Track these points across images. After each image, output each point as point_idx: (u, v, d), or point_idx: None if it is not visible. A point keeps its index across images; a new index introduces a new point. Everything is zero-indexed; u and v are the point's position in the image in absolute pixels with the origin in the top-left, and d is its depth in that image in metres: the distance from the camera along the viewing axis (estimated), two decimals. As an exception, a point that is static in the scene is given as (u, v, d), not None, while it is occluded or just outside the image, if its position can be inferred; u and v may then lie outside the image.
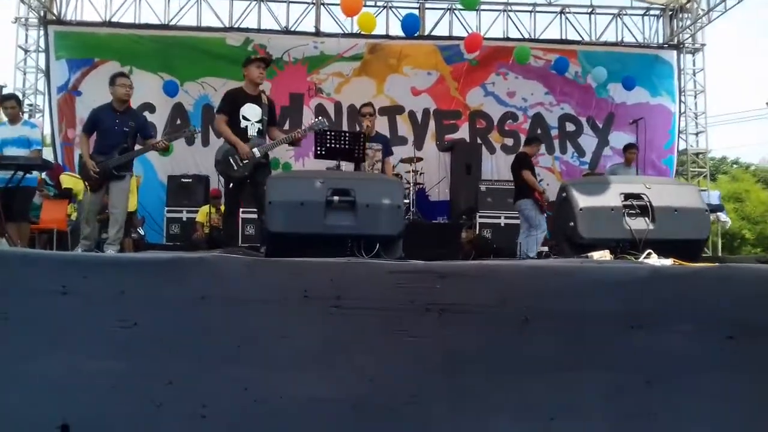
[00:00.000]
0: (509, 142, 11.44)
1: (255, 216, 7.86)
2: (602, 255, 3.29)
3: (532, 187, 7.46)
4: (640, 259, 3.30)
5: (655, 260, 3.28)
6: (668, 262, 3.33)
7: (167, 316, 3.01)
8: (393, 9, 11.71)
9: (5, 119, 6.60)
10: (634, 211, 3.51)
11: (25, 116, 7.40)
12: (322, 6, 11.64)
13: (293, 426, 3.03)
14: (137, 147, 5.99)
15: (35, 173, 6.52)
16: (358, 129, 6.38)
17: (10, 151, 6.23)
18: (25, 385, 2.87)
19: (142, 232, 9.25)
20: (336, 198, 3.45)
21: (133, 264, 3.04)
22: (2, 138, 6.39)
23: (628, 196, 3.51)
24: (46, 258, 3.15)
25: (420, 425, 3.12)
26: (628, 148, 8.65)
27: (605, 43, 11.81)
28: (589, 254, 3.31)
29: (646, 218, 3.49)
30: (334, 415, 3.04)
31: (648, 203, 3.51)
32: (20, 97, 7.39)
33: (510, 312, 3.18)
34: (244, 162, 5.39)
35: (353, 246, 3.50)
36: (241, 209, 6.78)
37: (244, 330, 3.03)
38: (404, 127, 11.29)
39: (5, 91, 7.82)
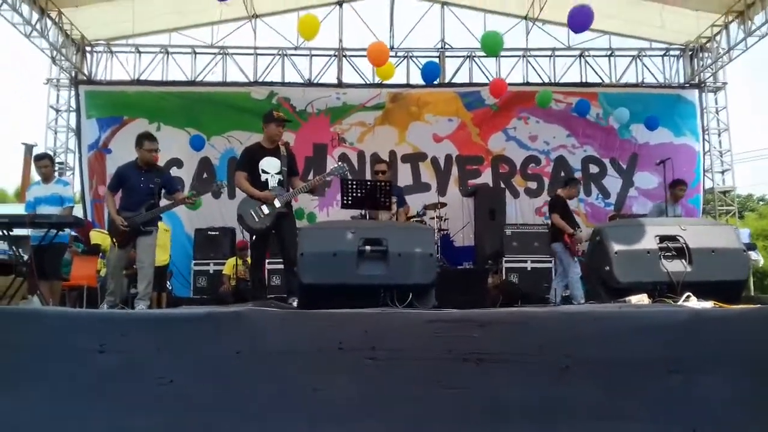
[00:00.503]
0: (533, 185, 11.44)
1: (280, 266, 7.86)
2: (640, 299, 3.24)
3: (562, 230, 7.41)
4: (680, 303, 3.23)
5: (694, 303, 3.21)
6: (708, 304, 3.26)
7: (204, 372, 3.00)
8: (413, 59, 11.93)
9: (39, 178, 6.77)
10: (670, 254, 3.45)
11: (57, 175, 7.58)
12: (344, 58, 11.89)
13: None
14: (164, 202, 6.07)
15: (67, 231, 6.63)
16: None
17: (44, 209, 6.37)
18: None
19: (169, 286, 9.31)
20: (368, 248, 3.45)
21: (169, 321, 3.05)
22: (36, 196, 6.55)
23: (663, 239, 3.46)
24: (84, 316, 3.18)
25: (461, 479, 3.04)
26: (676, 184, 8.27)
27: (626, 85, 11.87)
28: (626, 298, 3.26)
29: (683, 260, 3.44)
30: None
31: (684, 245, 3.46)
32: (52, 155, 7.56)
33: (549, 359, 3.13)
34: (266, 213, 5.44)
35: (386, 296, 3.48)
36: (267, 260, 6.79)
37: (280, 383, 3.01)
38: (427, 174, 11.36)
39: (37, 150, 8.04)
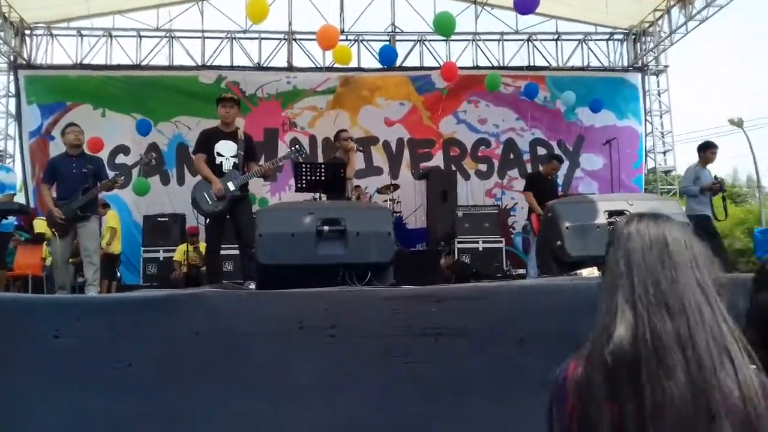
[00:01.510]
0: (483, 167, 11.61)
1: (234, 252, 7.79)
2: (591, 272, 3.35)
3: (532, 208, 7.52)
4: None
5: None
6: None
7: (162, 354, 2.99)
8: (364, 42, 11.91)
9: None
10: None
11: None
12: (293, 41, 11.77)
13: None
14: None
15: (11, 219, 6.43)
16: (337, 155, 6.44)
17: (-14, 196, 6.17)
18: (31, 428, 2.82)
19: (117, 273, 9.13)
20: (326, 228, 3.47)
21: (125, 304, 3.02)
22: (-23, 183, 6.33)
23: (612, 213, 3.59)
24: (38, 302, 3.12)
25: (422, 451, 3.11)
26: (707, 147, 7.65)
27: (572, 68, 12.14)
28: (577, 272, 3.37)
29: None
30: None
31: (631, 219, 3.59)
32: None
33: (505, 332, 3.22)
34: (219, 197, 5.40)
35: (345, 275, 3.52)
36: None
37: (241, 364, 3.02)
38: (379, 158, 11.39)
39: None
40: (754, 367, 1.10)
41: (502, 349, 3.18)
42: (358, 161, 10.98)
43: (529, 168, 11.41)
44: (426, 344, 3.10)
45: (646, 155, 12.10)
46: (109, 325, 2.92)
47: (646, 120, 12.13)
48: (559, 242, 3.55)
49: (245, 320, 3.02)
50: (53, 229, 5.76)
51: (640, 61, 12.19)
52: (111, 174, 6.15)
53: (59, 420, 2.91)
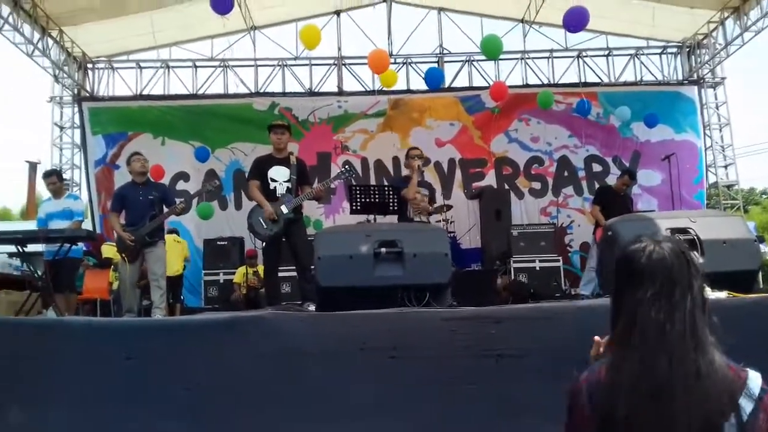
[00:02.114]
0: (536, 186, 11.48)
1: (292, 274, 7.90)
2: (654, 291, 3.27)
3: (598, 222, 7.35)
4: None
5: (709, 293, 3.24)
6: (723, 294, 3.31)
7: (228, 375, 3.06)
8: (413, 65, 12.01)
9: (49, 195, 6.86)
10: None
11: (67, 190, 7.68)
12: (343, 66, 11.97)
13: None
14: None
15: (80, 245, 6.70)
16: (404, 174, 6.53)
17: (56, 224, 6.45)
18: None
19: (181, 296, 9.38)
20: (383, 250, 3.51)
21: (193, 327, 3.12)
22: (47, 212, 6.63)
23: (674, 231, 3.51)
24: (110, 325, 3.24)
25: (483, 474, 3.08)
26: None
27: (625, 83, 11.94)
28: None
29: (695, 252, 3.48)
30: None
31: (695, 237, 3.51)
32: (59, 171, 7.70)
33: (566, 354, 3.17)
34: (273, 220, 5.51)
35: (403, 296, 3.54)
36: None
37: (304, 385, 3.07)
38: (431, 178, 11.39)
39: (41, 168, 8.15)
40: None
41: (565, 371, 3.14)
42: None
43: (584, 185, 11.23)
44: (486, 366, 3.09)
45: (706, 170, 11.76)
46: (177, 347, 3.01)
47: (705, 134, 11.80)
48: (620, 261, 3.47)
49: (308, 341, 3.07)
50: (123, 254, 5.99)
51: (695, 74, 11.90)
52: (177, 200, 6.37)
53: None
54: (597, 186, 10.34)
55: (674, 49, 12.18)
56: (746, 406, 1.29)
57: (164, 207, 6.13)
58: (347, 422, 3.05)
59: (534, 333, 3.12)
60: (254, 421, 3.04)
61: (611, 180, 11.25)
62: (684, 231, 3.52)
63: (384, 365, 3.07)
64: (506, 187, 11.29)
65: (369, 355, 3.09)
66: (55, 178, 6.83)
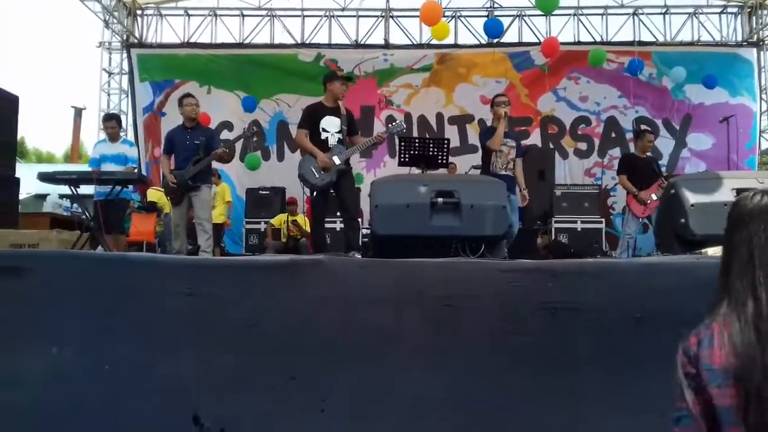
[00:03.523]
0: (582, 146, 11.29)
1: (331, 226, 7.97)
2: (717, 251, 3.22)
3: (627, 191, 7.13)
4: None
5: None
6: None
7: (286, 316, 3.13)
8: (462, 18, 11.76)
9: (105, 137, 7.00)
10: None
11: (123, 135, 7.82)
12: (390, 18, 11.80)
13: (407, 421, 3.09)
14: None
15: (130, 187, 6.85)
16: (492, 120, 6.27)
17: (109, 167, 6.60)
18: (158, 381, 3.03)
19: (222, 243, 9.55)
20: (440, 200, 3.51)
21: (254, 267, 3.18)
22: (102, 154, 6.77)
23: (740, 191, 3.41)
24: (172, 262, 3.33)
25: (533, 423, 3.12)
26: None
27: (681, 43, 11.52)
28: (703, 250, 3.25)
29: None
30: (448, 410, 3.08)
31: (762, 197, 3.41)
32: (119, 116, 7.82)
33: (622, 310, 3.16)
34: (325, 170, 5.53)
35: (458, 247, 3.55)
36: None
37: (359, 329, 3.12)
38: (474, 136, 11.23)
39: (86, 114, 8.29)
40: None
41: (618, 328, 3.13)
42: (452, 139, 10.95)
43: (632, 147, 10.99)
44: (542, 318, 3.09)
45: (760, 135, 11.39)
46: (238, 286, 3.08)
47: (761, 98, 11.39)
48: (683, 219, 3.43)
49: (365, 287, 3.11)
50: (168, 197, 6.10)
51: (755, 36, 11.42)
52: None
53: (187, 372, 3.10)
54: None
55: (735, 9, 11.67)
56: None
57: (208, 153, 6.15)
58: (402, 368, 3.11)
59: (592, 288, 3.11)
60: (309, 361, 3.11)
61: (660, 142, 10.98)
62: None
63: (440, 313, 3.10)
64: (551, 146, 11.12)
65: (425, 302, 3.12)
66: (114, 123, 7.00)
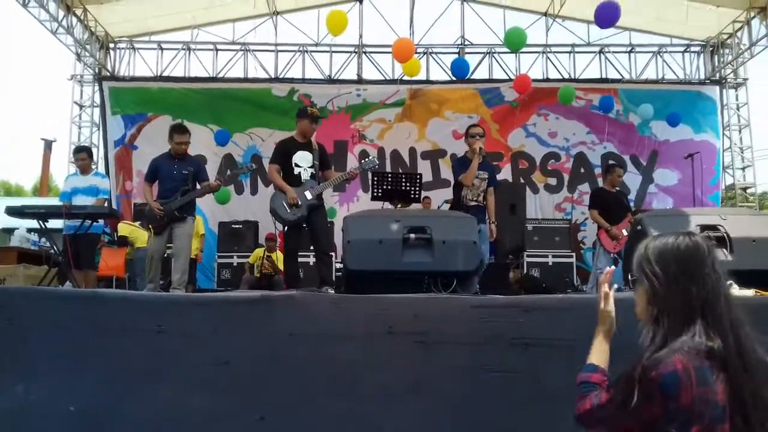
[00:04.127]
0: (552, 181, 11.47)
1: (306, 260, 7.92)
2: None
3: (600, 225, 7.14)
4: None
5: (736, 291, 3.25)
6: (750, 292, 3.31)
7: (258, 353, 3.09)
8: (433, 55, 11.98)
9: (76, 170, 6.92)
10: (711, 243, 3.49)
11: (94, 168, 7.73)
12: (363, 54, 11.96)
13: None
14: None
15: (101, 222, 6.75)
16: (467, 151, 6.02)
17: (80, 200, 6.49)
18: (125, 423, 2.95)
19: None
20: (412, 236, 3.53)
21: (224, 303, 3.15)
22: (73, 187, 6.67)
23: (704, 228, 3.51)
24: (142, 299, 3.28)
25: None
26: None
27: (646, 81, 11.86)
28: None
29: (724, 249, 3.49)
30: (422, 450, 3.05)
31: (725, 234, 3.51)
32: (90, 149, 7.73)
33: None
34: (297, 205, 5.52)
35: (430, 282, 3.56)
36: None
37: (331, 365, 3.09)
38: (447, 171, 11.36)
39: (56, 146, 8.20)
40: None
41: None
42: (425, 174, 11.03)
43: (600, 182, 11.19)
44: (514, 354, 3.10)
45: (723, 171, 11.71)
46: (208, 323, 3.05)
47: (724, 135, 11.73)
48: (648, 255, 3.47)
49: (337, 323, 3.10)
50: (150, 225, 5.97)
51: (718, 74, 11.82)
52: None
53: (155, 414, 3.04)
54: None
55: (698, 48, 12.08)
56: None
57: (197, 184, 6.06)
58: (373, 403, 3.08)
59: (562, 323, 3.13)
60: (280, 398, 3.07)
61: (628, 178, 11.21)
62: (714, 228, 3.52)
63: (412, 349, 3.09)
64: (522, 181, 11.28)
65: (397, 338, 3.11)
66: (85, 154, 6.91)
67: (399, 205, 6.04)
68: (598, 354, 1.81)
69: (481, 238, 5.18)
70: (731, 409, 1.37)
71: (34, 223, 6.44)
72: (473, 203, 5.79)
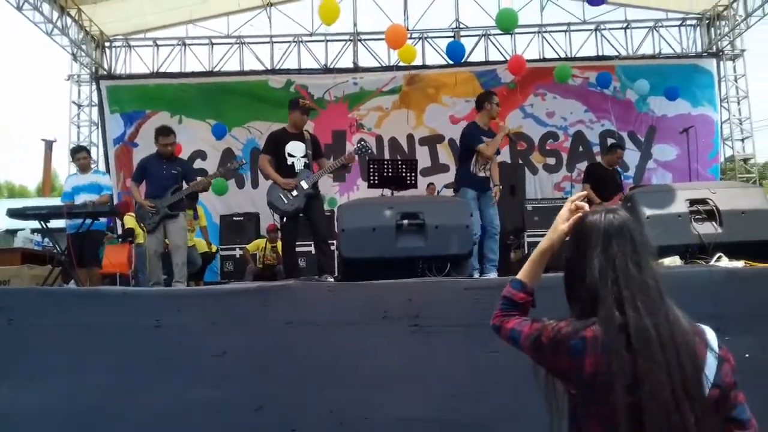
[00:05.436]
0: (551, 161, 11.46)
1: (306, 249, 7.97)
2: (673, 261, 3.33)
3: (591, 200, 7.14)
4: (711, 263, 3.32)
5: (726, 263, 3.29)
6: (739, 264, 3.34)
7: (255, 343, 3.15)
8: (428, 39, 11.94)
9: (76, 170, 6.99)
10: (700, 216, 3.54)
11: (94, 166, 7.79)
12: (359, 42, 11.94)
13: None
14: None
15: (103, 219, 6.82)
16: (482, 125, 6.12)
17: (83, 197, 6.57)
18: (127, 417, 3.02)
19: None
20: (405, 221, 3.57)
21: (222, 295, 3.20)
22: (75, 186, 6.75)
23: (693, 202, 3.55)
24: (139, 294, 3.34)
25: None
26: None
27: (642, 56, 11.80)
28: (659, 261, 3.34)
29: (714, 222, 3.53)
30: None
31: (714, 207, 3.54)
32: (88, 148, 7.80)
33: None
34: (294, 195, 5.57)
35: (424, 267, 3.61)
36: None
37: (328, 352, 3.15)
38: (445, 155, 11.40)
39: (57, 146, 8.25)
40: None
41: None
42: (423, 160, 11.00)
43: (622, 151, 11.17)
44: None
45: (723, 143, 11.68)
46: (206, 315, 3.10)
47: (722, 107, 11.69)
48: (639, 231, 3.51)
49: (332, 310, 3.15)
50: (141, 224, 6.06)
51: (714, 47, 11.75)
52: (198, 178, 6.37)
53: (157, 408, 3.10)
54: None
55: (693, 21, 12.01)
56: (710, 358, 1.42)
57: (185, 183, 6.18)
58: (371, 389, 3.13)
59: (558, 302, 3.17)
60: (280, 387, 3.12)
61: (626, 154, 11.16)
62: (703, 201, 3.56)
63: (406, 333, 3.14)
64: (520, 162, 11.27)
65: (391, 323, 3.16)
66: (84, 153, 7.03)
67: (395, 192, 6.08)
68: (530, 270, 1.79)
69: (488, 201, 5.55)
70: (639, 382, 1.39)
71: (37, 224, 6.55)
72: (481, 174, 5.81)
